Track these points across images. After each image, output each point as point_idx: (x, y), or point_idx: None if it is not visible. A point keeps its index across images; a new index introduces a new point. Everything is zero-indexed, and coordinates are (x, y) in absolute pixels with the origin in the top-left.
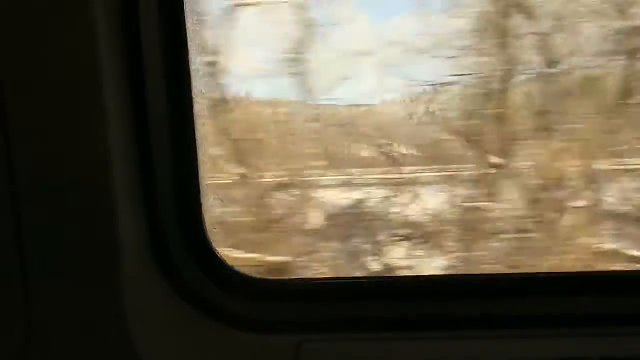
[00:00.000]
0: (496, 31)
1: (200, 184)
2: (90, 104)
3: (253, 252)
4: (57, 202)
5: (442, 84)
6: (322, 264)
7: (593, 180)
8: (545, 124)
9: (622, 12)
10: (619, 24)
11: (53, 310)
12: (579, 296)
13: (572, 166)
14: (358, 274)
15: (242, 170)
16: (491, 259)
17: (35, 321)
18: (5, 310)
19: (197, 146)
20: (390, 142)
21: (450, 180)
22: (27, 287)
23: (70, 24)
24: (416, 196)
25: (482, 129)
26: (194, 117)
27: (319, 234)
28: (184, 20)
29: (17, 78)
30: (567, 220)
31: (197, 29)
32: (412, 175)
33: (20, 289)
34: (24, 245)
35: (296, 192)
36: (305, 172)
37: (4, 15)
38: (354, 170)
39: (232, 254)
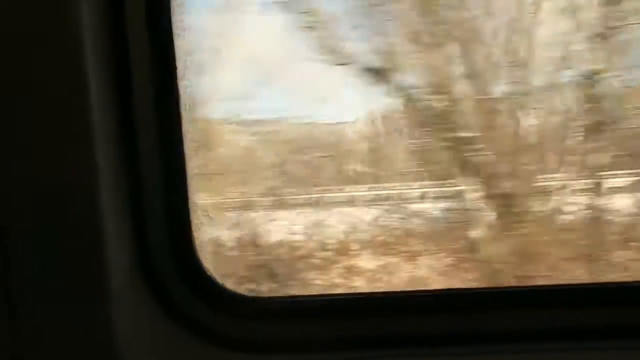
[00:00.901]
0: None
1: (190, 201)
2: (77, 113)
3: None
4: (44, 217)
5: None
6: None
7: None
8: None
9: None
10: None
11: (39, 327)
12: (577, 309)
13: None
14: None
15: None
16: None
17: (21, 333)
18: None
19: (186, 164)
20: None
21: None
22: (11, 301)
23: (56, 27)
24: None
25: None
26: (182, 127)
27: None
28: (171, 23)
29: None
30: None
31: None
32: None
33: (3, 304)
34: (9, 261)
35: None
36: None
37: None
38: None
39: None
